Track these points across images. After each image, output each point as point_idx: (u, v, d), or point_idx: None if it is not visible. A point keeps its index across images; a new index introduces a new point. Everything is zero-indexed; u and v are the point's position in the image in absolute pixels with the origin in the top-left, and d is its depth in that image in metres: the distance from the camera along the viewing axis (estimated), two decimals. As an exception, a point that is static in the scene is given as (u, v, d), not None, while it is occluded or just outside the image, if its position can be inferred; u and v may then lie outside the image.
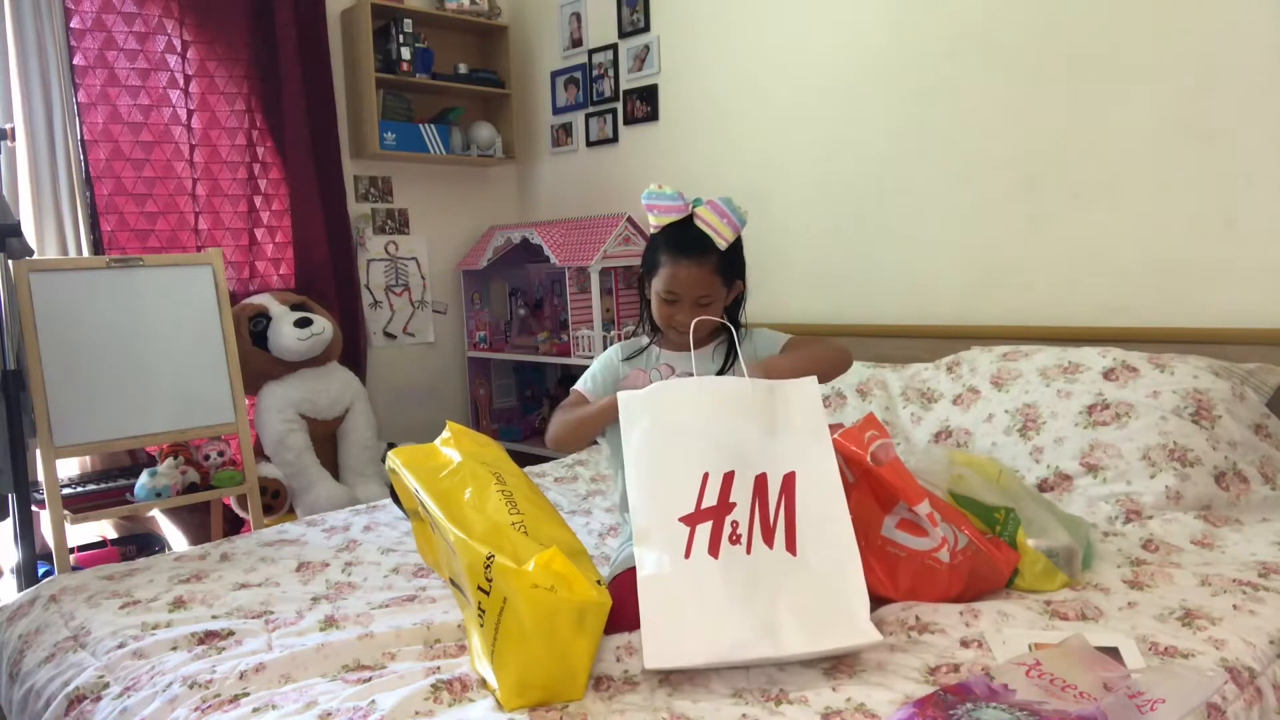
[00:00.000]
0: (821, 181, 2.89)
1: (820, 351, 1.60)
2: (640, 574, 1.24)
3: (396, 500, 1.44)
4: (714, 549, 1.24)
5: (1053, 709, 1.03)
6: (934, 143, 2.60)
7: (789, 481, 1.29)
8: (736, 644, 1.18)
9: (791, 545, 1.26)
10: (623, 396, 1.37)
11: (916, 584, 1.40)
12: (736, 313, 1.68)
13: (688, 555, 1.23)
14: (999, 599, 1.43)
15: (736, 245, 1.60)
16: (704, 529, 1.25)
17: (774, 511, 1.27)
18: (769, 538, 1.26)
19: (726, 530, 1.25)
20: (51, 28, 2.69)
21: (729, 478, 1.28)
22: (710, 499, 1.27)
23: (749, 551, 1.24)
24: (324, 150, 3.28)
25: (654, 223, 1.58)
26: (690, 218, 1.56)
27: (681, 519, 1.26)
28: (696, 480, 1.28)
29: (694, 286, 1.55)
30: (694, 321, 1.53)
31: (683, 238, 1.55)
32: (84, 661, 1.42)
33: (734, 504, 1.26)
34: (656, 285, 1.59)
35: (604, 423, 1.56)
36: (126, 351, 2.48)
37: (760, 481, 1.28)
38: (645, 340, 1.72)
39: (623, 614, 1.29)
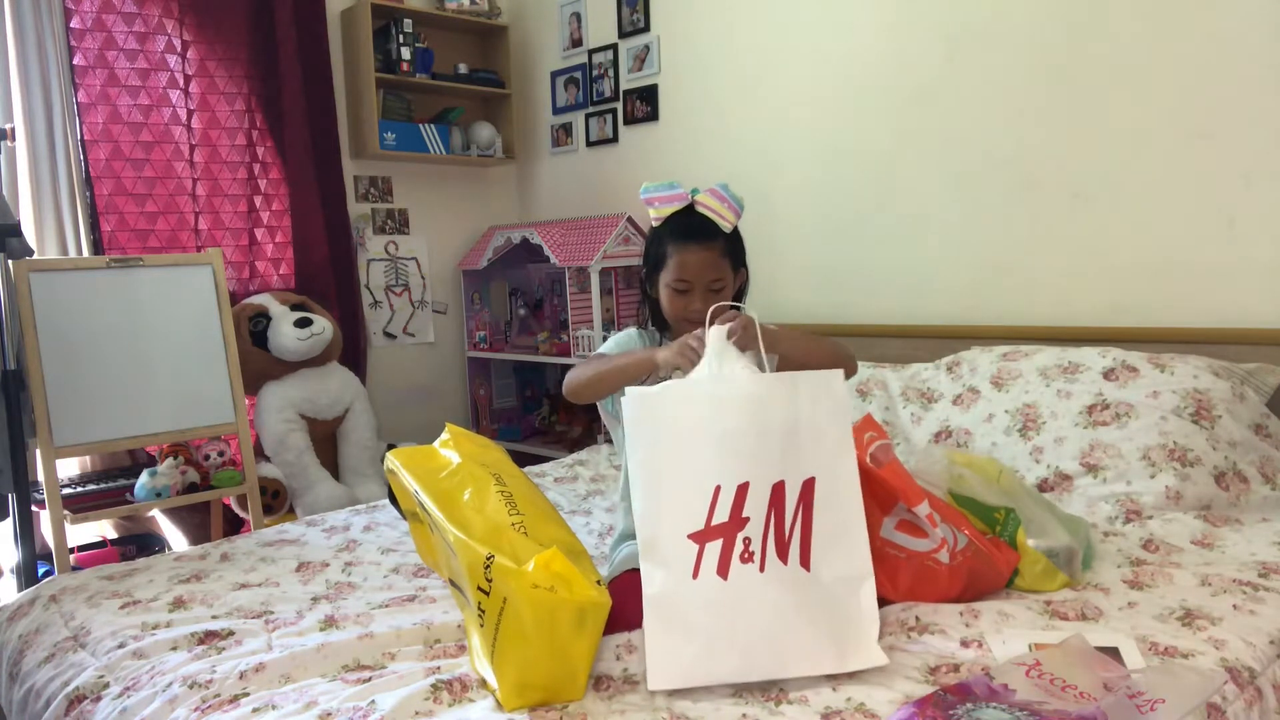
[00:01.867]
0: (822, 181, 2.89)
1: (824, 342, 1.57)
2: (646, 591, 1.21)
3: (394, 502, 1.44)
4: (723, 569, 1.19)
5: (1053, 709, 1.03)
6: (934, 142, 2.60)
7: (808, 488, 1.24)
8: (741, 667, 1.17)
9: (806, 560, 1.22)
10: (631, 394, 1.27)
11: (916, 585, 1.40)
12: (741, 302, 1.67)
13: (695, 575, 1.20)
14: (999, 599, 1.43)
15: (737, 231, 1.60)
16: (714, 547, 1.20)
17: (790, 524, 1.22)
18: (783, 553, 1.21)
19: (738, 549, 1.20)
20: (51, 28, 2.69)
21: (743, 489, 1.21)
22: (721, 514, 1.21)
23: (762, 570, 1.20)
24: (324, 150, 3.28)
25: (654, 216, 1.58)
26: (691, 206, 1.56)
27: (690, 536, 1.20)
28: (708, 494, 1.21)
29: (706, 271, 1.54)
30: (711, 308, 1.49)
31: (687, 224, 1.55)
32: (84, 661, 1.42)
33: (747, 519, 1.21)
34: (666, 278, 1.57)
35: (642, 375, 1.48)
36: (126, 351, 2.48)
37: (778, 490, 1.22)
38: (657, 337, 1.68)
39: (622, 614, 1.29)
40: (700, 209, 1.55)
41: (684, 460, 1.24)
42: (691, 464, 1.23)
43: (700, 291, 1.55)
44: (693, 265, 1.53)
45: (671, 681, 1.16)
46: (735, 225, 1.58)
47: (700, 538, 1.21)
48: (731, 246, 1.58)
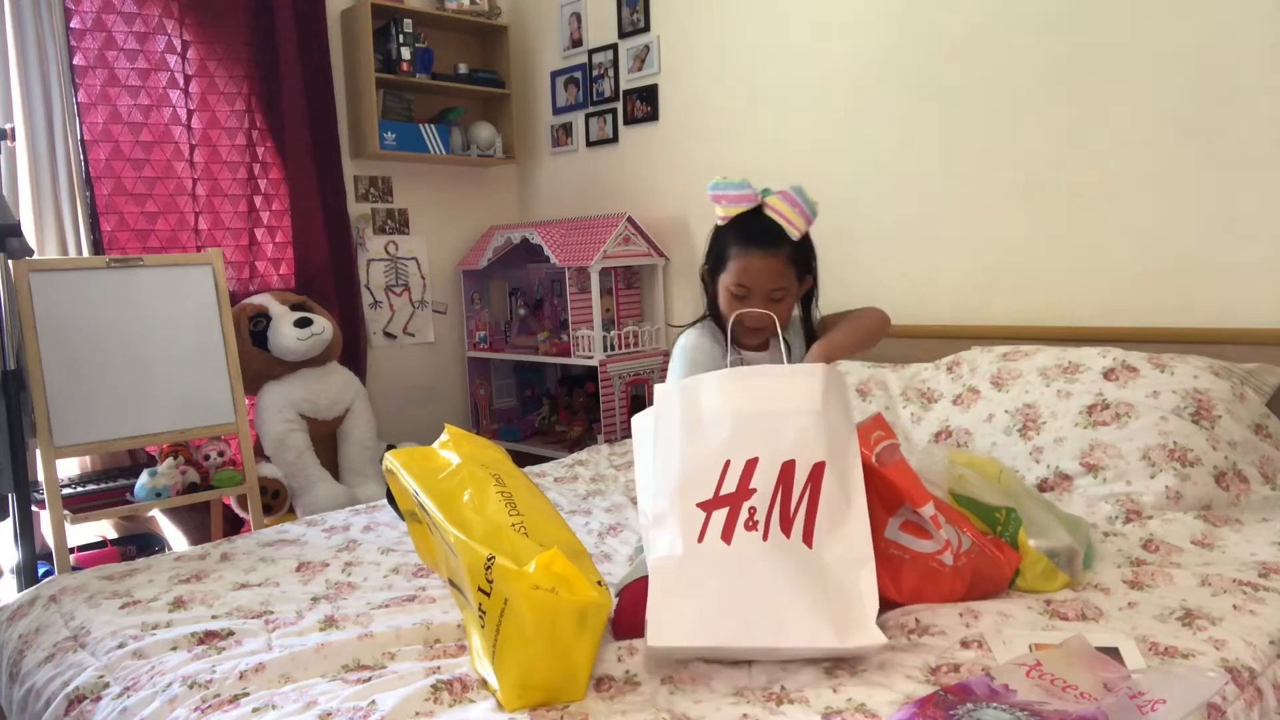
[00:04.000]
0: (822, 182, 2.88)
1: (865, 321, 1.58)
2: (652, 557, 1.24)
3: (392, 502, 1.44)
4: (727, 535, 1.23)
5: (1053, 709, 1.03)
6: (934, 142, 2.60)
7: (817, 471, 1.27)
8: (741, 631, 1.18)
9: (809, 537, 1.25)
10: (658, 388, 1.38)
11: (920, 586, 1.39)
12: (809, 308, 1.65)
13: (700, 539, 1.23)
14: (999, 599, 1.43)
15: (807, 237, 1.55)
16: (720, 515, 1.25)
17: (796, 500, 1.25)
18: (787, 527, 1.24)
19: (743, 516, 1.24)
20: (51, 28, 2.69)
21: (751, 464, 1.26)
22: (730, 485, 1.26)
23: (765, 538, 1.23)
24: (324, 150, 3.28)
25: (721, 214, 1.53)
26: (760, 208, 1.51)
27: (699, 505, 1.26)
28: (717, 467, 1.27)
29: (767, 278, 1.50)
30: (758, 316, 1.50)
31: (753, 228, 1.51)
32: (84, 661, 1.42)
33: (754, 490, 1.25)
34: (726, 280, 1.54)
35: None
36: (126, 351, 2.48)
37: (787, 469, 1.26)
38: (721, 338, 1.61)
39: (636, 620, 1.28)
40: (769, 212, 1.50)
41: (697, 440, 1.30)
42: (704, 443, 1.29)
43: (759, 298, 1.52)
44: (754, 272, 1.50)
45: (672, 639, 1.18)
46: (805, 232, 1.52)
47: (708, 506, 1.25)
48: (798, 254, 1.53)
